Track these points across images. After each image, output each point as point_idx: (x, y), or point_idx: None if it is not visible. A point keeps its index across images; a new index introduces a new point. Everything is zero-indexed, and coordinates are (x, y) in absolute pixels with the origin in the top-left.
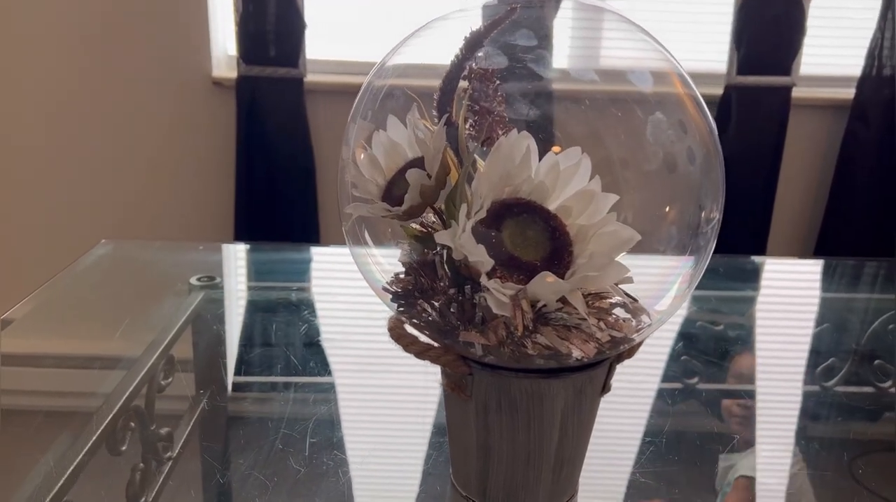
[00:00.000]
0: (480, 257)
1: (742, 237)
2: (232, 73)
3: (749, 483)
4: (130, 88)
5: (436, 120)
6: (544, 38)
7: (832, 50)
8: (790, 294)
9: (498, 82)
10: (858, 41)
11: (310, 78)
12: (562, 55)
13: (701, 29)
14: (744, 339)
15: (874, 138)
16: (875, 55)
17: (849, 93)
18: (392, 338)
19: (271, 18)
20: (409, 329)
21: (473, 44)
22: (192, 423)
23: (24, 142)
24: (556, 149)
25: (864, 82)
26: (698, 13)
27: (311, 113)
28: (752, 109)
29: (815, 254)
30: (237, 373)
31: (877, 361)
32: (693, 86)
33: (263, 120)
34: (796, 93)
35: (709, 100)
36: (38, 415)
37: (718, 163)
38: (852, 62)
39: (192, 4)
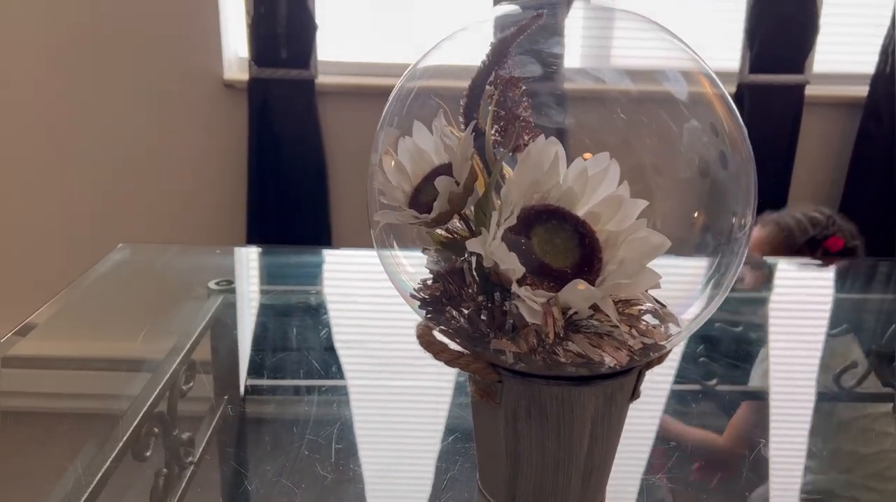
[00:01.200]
0: (512, 265)
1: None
2: (243, 76)
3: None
4: (143, 92)
5: (462, 126)
6: (568, 43)
7: (845, 47)
8: (803, 294)
9: (524, 88)
10: (871, 38)
11: (321, 79)
12: (586, 59)
13: (713, 27)
14: (760, 341)
15: (887, 136)
16: (888, 52)
17: (862, 90)
18: (421, 346)
19: (282, 20)
20: (438, 335)
21: (500, 50)
22: (213, 427)
23: (36, 148)
24: (586, 155)
25: (878, 80)
26: (711, 11)
27: (322, 114)
28: (765, 107)
29: None
30: (257, 376)
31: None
32: (721, 85)
33: (275, 122)
34: (809, 90)
35: None
36: (66, 418)
37: (751, 166)
38: (865, 59)
39: (203, 8)
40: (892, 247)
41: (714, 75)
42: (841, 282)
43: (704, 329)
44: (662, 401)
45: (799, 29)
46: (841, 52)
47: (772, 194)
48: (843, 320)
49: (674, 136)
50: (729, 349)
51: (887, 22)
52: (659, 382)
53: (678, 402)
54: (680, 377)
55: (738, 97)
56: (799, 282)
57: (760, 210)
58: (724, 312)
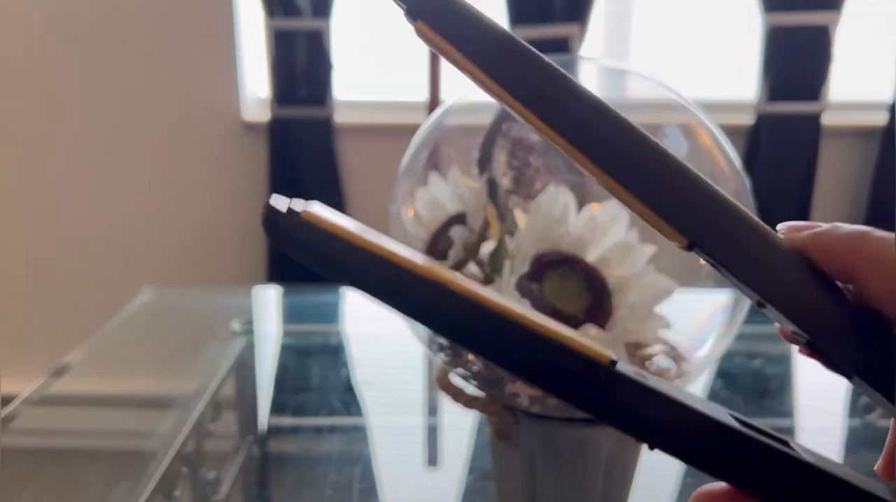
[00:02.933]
0: None
1: None
2: (262, 116)
3: None
4: (164, 135)
5: (476, 176)
6: None
7: (861, 75)
8: None
9: (536, 141)
10: (888, 66)
11: (339, 119)
12: None
13: (729, 58)
14: (780, 374)
15: None
16: None
17: (880, 118)
18: (440, 388)
19: (301, 60)
20: (456, 379)
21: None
22: (238, 466)
23: (56, 193)
24: (593, 205)
25: None
26: (726, 42)
27: (340, 152)
28: (782, 137)
29: None
30: (278, 415)
31: None
32: (720, 136)
33: (295, 161)
34: (826, 119)
35: (739, 129)
36: (100, 456)
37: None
38: (882, 87)
39: (221, 52)
40: None
41: (712, 127)
42: None
43: (724, 364)
44: None
45: (814, 58)
46: (857, 81)
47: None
48: None
49: None
50: (749, 383)
51: None
52: None
53: None
54: None
55: (755, 127)
56: None
57: None
58: (742, 344)
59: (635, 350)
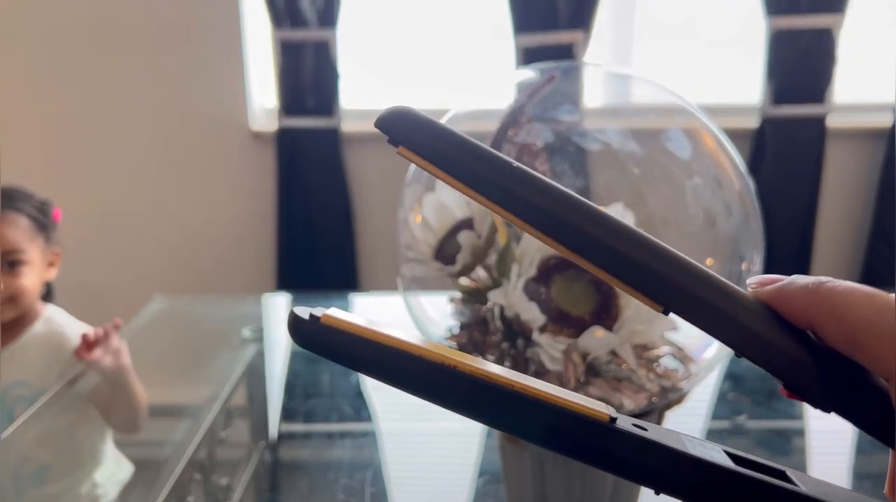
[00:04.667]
0: (532, 314)
1: (784, 272)
2: (270, 126)
3: None
4: (173, 145)
5: None
6: (579, 104)
7: (865, 77)
8: None
9: (541, 146)
10: (891, 68)
11: (346, 127)
12: (597, 120)
13: (734, 63)
14: None
15: None
16: None
17: (885, 119)
18: None
19: (308, 71)
20: None
21: (516, 112)
22: (250, 472)
23: (67, 203)
24: None
25: None
26: (730, 46)
27: (348, 160)
28: (788, 140)
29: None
30: (289, 421)
31: None
32: (724, 140)
33: (303, 169)
34: (831, 121)
35: (744, 133)
36: None
37: (755, 214)
38: (886, 88)
39: (229, 63)
40: None
41: (718, 132)
42: None
43: (732, 367)
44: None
45: (818, 61)
46: (862, 83)
47: (800, 228)
48: None
49: (680, 191)
50: (757, 385)
51: None
52: (689, 420)
53: (709, 439)
54: (714, 415)
55: (761, 131)
56: None
57: (788, 245)
58: None
59: (642, 351)
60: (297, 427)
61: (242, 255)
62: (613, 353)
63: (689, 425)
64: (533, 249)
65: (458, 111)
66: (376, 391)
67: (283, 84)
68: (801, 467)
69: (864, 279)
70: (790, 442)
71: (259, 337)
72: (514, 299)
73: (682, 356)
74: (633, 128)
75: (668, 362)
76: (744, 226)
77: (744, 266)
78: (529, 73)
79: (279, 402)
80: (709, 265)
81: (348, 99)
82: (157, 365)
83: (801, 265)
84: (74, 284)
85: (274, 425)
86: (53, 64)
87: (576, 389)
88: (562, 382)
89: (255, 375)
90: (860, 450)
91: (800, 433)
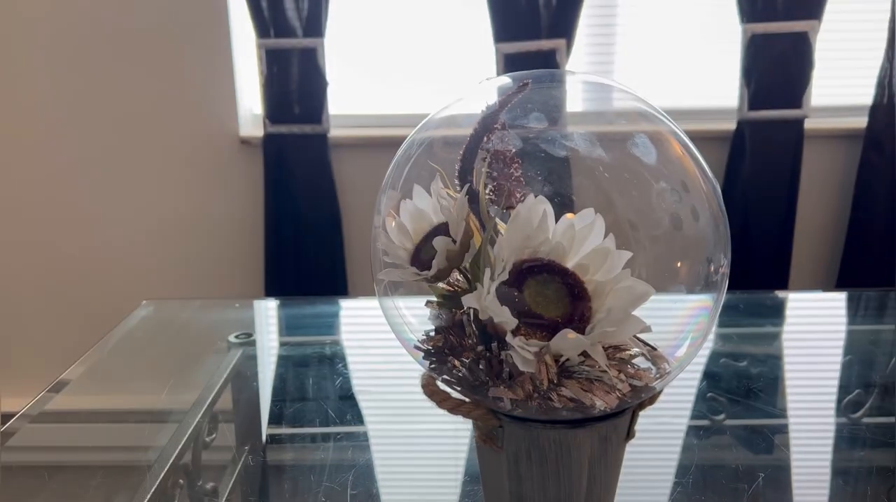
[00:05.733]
0: (505, 317)
1: (764, 272)
2: (258, 132)
3: None
4: (161, 151)
5: (458, 188)
6: (554, 111)
7: (842, 81)
8: (815, 328)
9: (514, 151)
10: (867, 71)
11: (333, 133)
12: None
13: (711, 67)
14: (770, 375)
15: (889, 165)
16: (885, 84)
17: (861, 122)
18: (426, 395)
19: (294, 78)
20: (441, 385)
21: (489, 119)
22: (236, 477)
23: (55, 208)
24: (569, 215)
25: (876, 110)
26: (707, 51)
27: (335, 166)
28: (765, 143)
29: (838, 285)
30: (276, 425)
31: None
32: (690, 145)
33: (290, 175)
34: (809, 124)
35: (722, 135)
36: (98, 470)
37: (722, 217)
38: (862, 91)
39: (217, 70)
40: None
41: (685, 137)
42: (852, 312)
43: (710, 365)
44: (678, 439)
45: (794, 65)
46: (838, 86)
47: (778, 230)
48: (855, 352)
49: (647, 195)
50: (734, 384)
51: (882, 54)
52: (668, 420)
53: (689, 438)
54: (694, 413)
55: (738, 134)
56: (808, 314)
57: (767, 247)
58: (729, 347)
59: (615, 352)
60: (284, 430)
61: (230, 261)
62: (585, 355)
63: (668, 424)
64: (506, 253)
65: (431, 117)
66: (363, 394)
67: (270, 92)
68: (782, 465)
69: (842, 278)
70: (770, 440)
71: (246, 341)
72: (486, 303)
73: (655, 356)
74: (601, 132)
75: (640, 362)
76: (712, 229)
77: (711, 268)
78: (506, 80)
79: (266, 406)
80: (677, 268)
81: (335, 105)
82: (143, 370)
83: (780, 265)
84: (63, 288)
85: (261, 429)
86: (44, 71)
87: (548, 391)
88: (535, 384)
89: (240, 379)
90: (840, 448)
91: (780, 430)
